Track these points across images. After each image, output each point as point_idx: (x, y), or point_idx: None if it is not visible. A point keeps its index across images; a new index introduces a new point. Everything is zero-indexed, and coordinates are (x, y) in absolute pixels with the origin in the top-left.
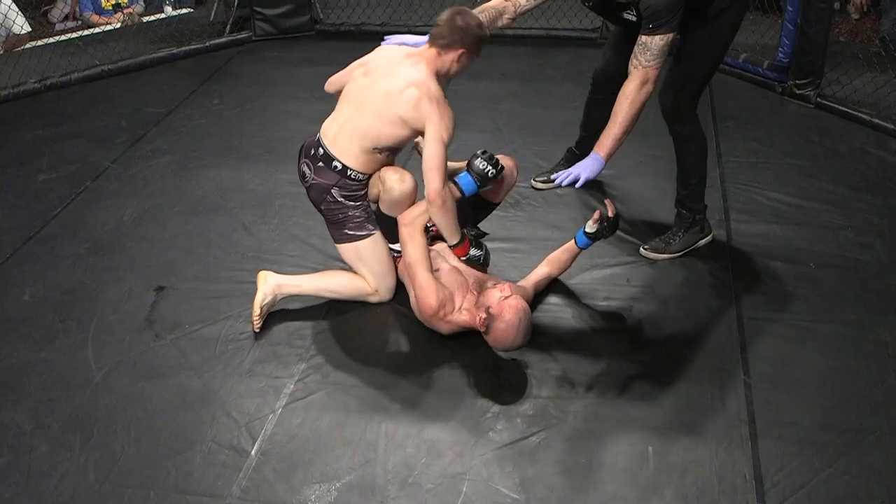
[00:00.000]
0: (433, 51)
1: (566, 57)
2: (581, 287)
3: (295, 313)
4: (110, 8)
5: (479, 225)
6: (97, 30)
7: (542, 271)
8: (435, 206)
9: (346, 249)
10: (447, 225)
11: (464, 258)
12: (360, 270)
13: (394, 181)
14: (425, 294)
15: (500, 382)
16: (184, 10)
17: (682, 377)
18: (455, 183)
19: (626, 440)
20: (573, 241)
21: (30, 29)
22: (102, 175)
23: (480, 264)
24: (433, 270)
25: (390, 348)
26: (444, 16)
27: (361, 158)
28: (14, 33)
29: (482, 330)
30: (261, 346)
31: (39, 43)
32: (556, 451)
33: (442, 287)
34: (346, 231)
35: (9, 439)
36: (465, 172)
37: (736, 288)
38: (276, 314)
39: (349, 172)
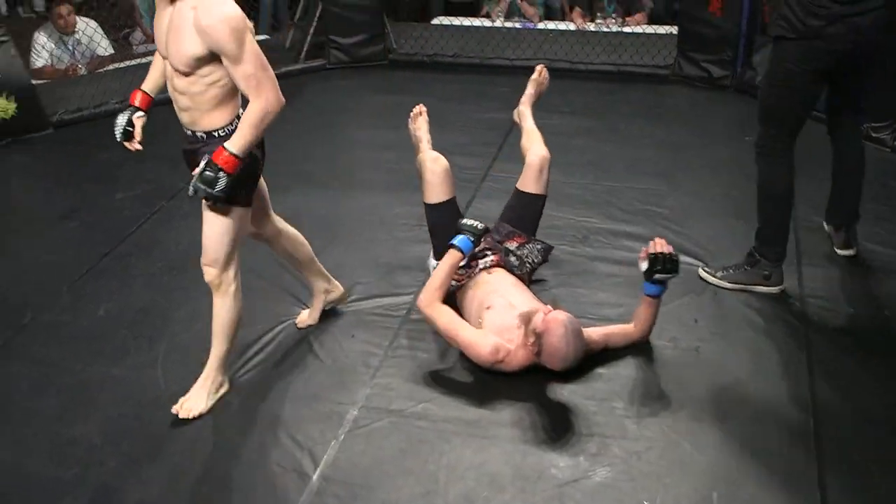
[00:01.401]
0: None
1: (638, 93)
2: None
3: (362, 339)
4: None
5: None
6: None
7: (616, 327)
8: None
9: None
10: None
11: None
12: None
13: (429, 161)
14: (475, 351)
15: (564, 419)
16: (260, 37)
17: (750, 423)
18: (454, 245)
19: (690, 484)
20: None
21: (112, 51)
22: (177, 196)
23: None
24: (486, 308)
25: (455, 379)
26: None
27: None
28: (98, 55)
29: (535, 354)
30: (326, 371)
31: (121, 65)
32: (618, 491)
33: (487, 334)
34: None
35: (79, 453)
36: (460, 235)
37: (807, 334)
38: (344, 339)
39: None
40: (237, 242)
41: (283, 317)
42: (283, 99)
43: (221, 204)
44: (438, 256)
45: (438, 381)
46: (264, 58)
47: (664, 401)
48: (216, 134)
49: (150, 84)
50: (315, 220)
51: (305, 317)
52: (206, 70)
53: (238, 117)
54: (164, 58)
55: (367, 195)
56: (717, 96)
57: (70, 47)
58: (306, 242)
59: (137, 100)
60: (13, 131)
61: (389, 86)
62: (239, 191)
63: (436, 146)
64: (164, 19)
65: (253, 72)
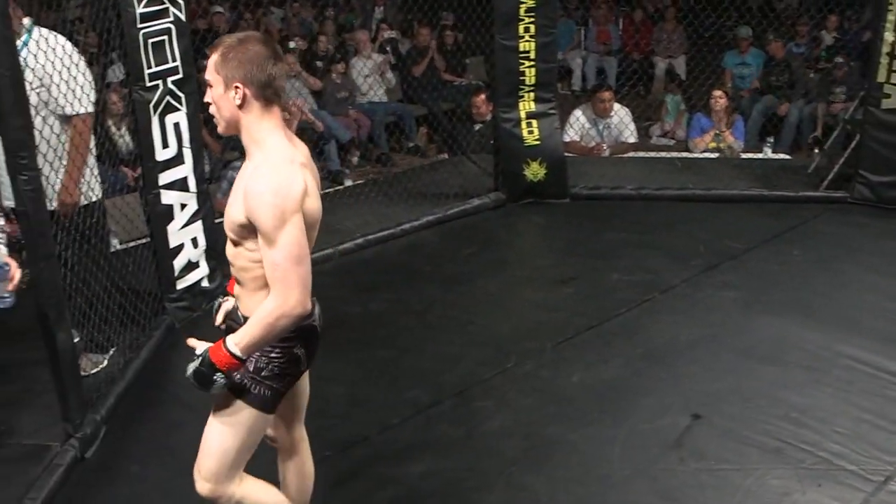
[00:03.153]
0: None
1: None
2: None
3: (827, 493)
4: (713, 146)
5: None
6: (697, 155)
7: None
8: None
9: None
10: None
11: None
12: None
13: None
14: None
15: None
16: (780, 156)
17: None
18: None
19: None
20: None
21: (636, 140)
22: (670, 291)
23: None
24: None
25: None
26: None
27: None
28: (622, 141)
29: None
30: None
31: (640, 154)
32: None
33: None
34: None
35: (520, 501)
36: None
37: None
38: (807, 487)
39: None
40: (244, 454)
41: None
42: (309, 305)
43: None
44: None
45: None
46: (305, 251)
47: None
48: None
49: None
50: (804, 352)
51: None
52: (251, 244)
53: None
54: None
55: (860, 342)
56: None
57: (600, 129)
58: (311, 479)
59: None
60: (537, 194)
61: None
62: (261, 389)
63: None
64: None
65: (281, 262)
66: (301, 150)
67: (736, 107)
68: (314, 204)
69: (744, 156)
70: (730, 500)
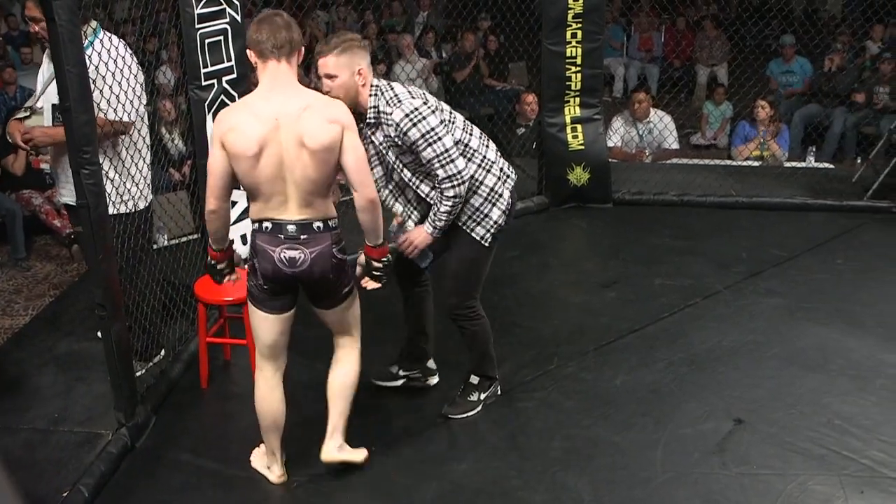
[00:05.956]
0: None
1: None
2: None
3: None
4: (756, 154)
5: None
6: (740, 163)
7: None
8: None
9: (348, 306)
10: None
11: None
12: (354, 326)
13: None
14: None
15: None
16: (825, 164)
17: None
18: None
19: None
20: None
21: (678, 147)
22: (713, 297)
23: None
24: None
25: None
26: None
27: (328, 205)
28: (664, 147)
29: None
30: None
31: (685, 161)
32: None
33: None
34: (347, 286)
35: (564, 501)
36: None
37: None
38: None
39: (330, 223)
40: None
41: None
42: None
43: None
44: None
45: None
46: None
47: None
48: None
49: None
50: (848, 361)
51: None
52: None
53: None
54: None
55: None
56: None
57: (641, 132)
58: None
59: None
60: (580, 198)
61: None
62: None
63: None
64: None
65: None
66: (292, 102)
67: (781, 115)
68: (232, 138)
69: (787, 164)
70: (776, 500)
